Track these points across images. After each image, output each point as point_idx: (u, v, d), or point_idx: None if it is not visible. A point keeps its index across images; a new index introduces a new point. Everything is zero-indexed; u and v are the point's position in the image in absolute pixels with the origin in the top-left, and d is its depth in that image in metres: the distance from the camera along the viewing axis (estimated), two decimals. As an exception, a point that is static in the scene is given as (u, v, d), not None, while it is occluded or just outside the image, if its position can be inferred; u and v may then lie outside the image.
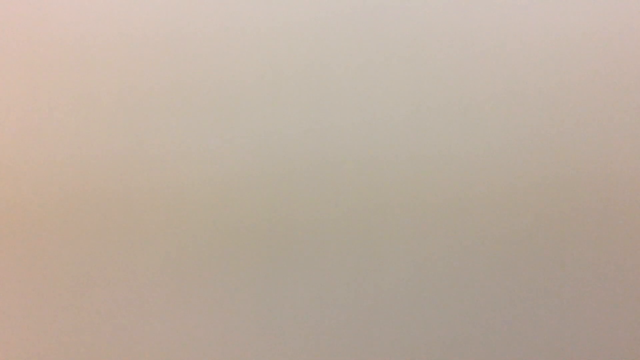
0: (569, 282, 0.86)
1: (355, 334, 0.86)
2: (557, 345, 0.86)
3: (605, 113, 0.86)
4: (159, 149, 0.87)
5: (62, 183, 0.87)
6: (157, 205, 0.86)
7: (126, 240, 0.86)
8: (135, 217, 0.86)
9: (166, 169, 0.86)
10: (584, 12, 0.86)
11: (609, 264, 0.86)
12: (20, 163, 0.86)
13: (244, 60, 0.86)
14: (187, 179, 0.86)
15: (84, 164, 0.86)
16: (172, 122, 0.86)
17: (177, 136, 0.86)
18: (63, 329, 0.87)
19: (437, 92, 0.86)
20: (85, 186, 0.87)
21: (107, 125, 0.87)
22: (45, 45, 0.86)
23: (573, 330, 0.86)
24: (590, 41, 0.86)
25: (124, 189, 0.86)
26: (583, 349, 0.86)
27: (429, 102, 0.86)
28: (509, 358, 0.86)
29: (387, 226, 0.86)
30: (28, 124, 0.86)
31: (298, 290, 0.86)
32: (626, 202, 0.85)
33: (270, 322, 0.86)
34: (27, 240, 0.86)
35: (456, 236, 0.86)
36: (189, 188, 0.86)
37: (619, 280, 0.86)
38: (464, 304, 0.86)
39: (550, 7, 0.85)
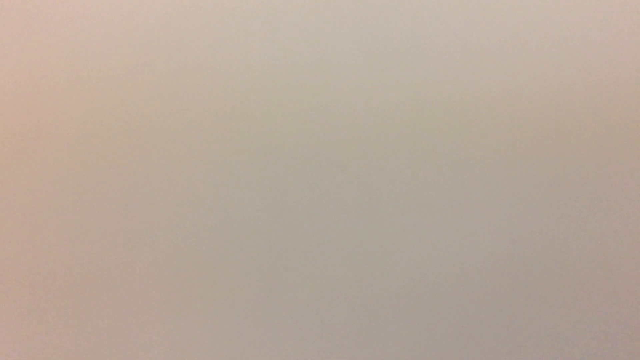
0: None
1: (355, 327, 0.86)
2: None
3: (607, 56, 0.85)
4: (160, 153, 0.87)
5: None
6: (157, 204, 0.86)
7: (127, 242, 0.86)
8: (135, 219, 0.86)
9: (166, 168, 0.86)
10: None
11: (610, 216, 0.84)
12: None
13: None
14: (187, 175, 0.86)
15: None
16: (172, 123, 0.87)
17: (176, 135, 0.87)
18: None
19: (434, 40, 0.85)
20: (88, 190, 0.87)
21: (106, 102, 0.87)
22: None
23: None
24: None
25: (125, 190, 0.86)
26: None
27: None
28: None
29: (387, 220, 0.86)
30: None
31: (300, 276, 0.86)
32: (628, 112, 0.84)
33: (270, 320, 0.86)
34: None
35: (458, 231, 0.86)
36: (189, 185, 0.86)
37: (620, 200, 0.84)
38: (465, 303, 0.86)
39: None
